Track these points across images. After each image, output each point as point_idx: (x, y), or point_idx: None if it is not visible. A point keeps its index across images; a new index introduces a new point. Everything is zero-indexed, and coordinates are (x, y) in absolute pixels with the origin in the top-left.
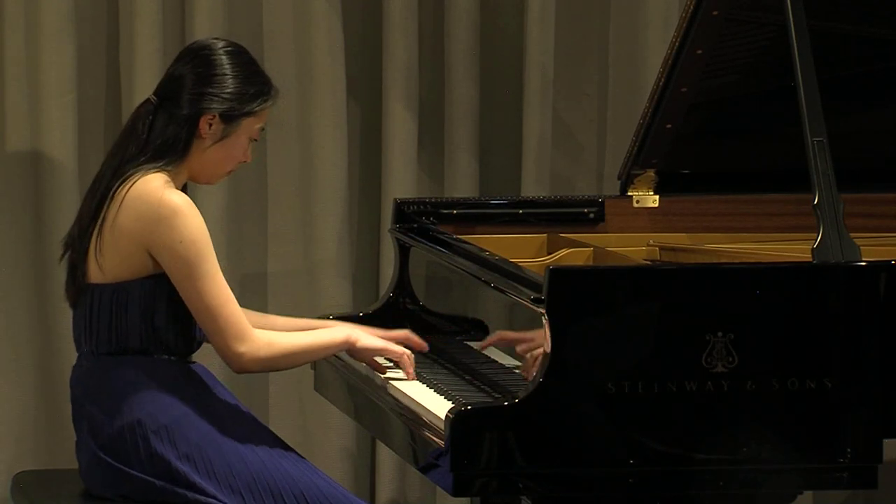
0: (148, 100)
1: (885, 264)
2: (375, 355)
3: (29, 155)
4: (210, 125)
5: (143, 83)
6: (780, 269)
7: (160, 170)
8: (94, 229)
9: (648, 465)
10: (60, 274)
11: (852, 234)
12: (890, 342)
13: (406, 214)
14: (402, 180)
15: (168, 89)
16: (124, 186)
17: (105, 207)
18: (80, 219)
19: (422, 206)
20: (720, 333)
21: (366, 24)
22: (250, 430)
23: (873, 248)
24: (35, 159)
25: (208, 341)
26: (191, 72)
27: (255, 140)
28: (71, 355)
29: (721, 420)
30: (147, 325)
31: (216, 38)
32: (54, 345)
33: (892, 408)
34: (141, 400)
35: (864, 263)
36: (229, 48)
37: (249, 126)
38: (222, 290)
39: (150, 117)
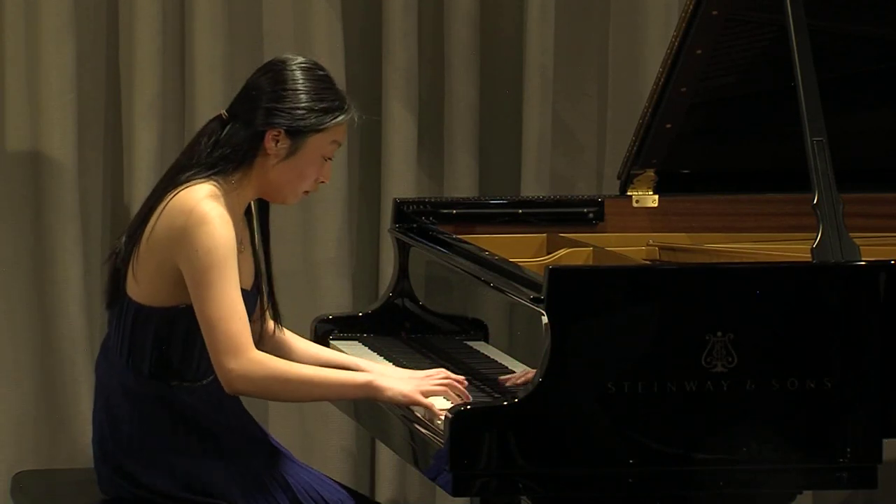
0: (219, 115)
1: (885, 264)
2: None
3: (29, 155)
4: (276, 141)
5: (143, 83)
6: (779, 269)
7: (209, 180)
8: (138, 239)
9: (648, 465)
10: (60, 273)
11: (852, 234)
12: (890, 342)
13: (406, 214)
14: (402, 180)
15: (238, 104)
16: (168, 195)
17: (151, 217)
18: (129, 227)
19: (422, 206)
20: (720, 333)
21: (366, 24)
22: (247, 444)
23: (873, 248)
24: (35, 159)
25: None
26: (261, 87)
27: (329, 159)
28: (71, 354)
29: (721, 420)
30: (159, 353)
31: (291, 55)
32: (54, 345)
33: (892, 408)
34: (140, 428)
35: (863, 263)
36: (303, 64)
37: (319, 143)
38: (230, 304)
39: (218, 132)
